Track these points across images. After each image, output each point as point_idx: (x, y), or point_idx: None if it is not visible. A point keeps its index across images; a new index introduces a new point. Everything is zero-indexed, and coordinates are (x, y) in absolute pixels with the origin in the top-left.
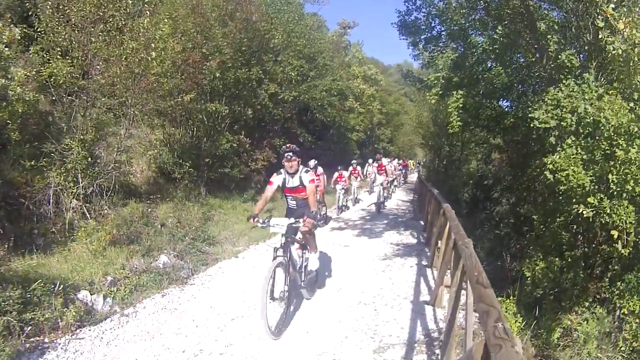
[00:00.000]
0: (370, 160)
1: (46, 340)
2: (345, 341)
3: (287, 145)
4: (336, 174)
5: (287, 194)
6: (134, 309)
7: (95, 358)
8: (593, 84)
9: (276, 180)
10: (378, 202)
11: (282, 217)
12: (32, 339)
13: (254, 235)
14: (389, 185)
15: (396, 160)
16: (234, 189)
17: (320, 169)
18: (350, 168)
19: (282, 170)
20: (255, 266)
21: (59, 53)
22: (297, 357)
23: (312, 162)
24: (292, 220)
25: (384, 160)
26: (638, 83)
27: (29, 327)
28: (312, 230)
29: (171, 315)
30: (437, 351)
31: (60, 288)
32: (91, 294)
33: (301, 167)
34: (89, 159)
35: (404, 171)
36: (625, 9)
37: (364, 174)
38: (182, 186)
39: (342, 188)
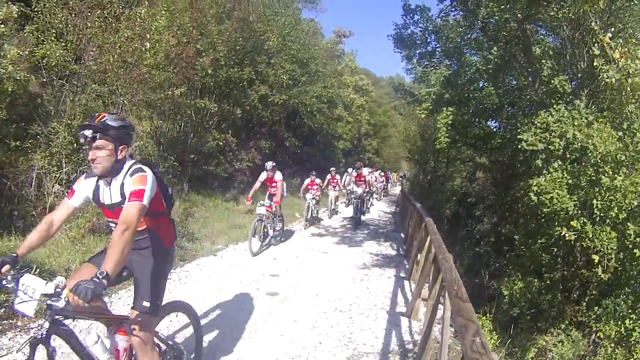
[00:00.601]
0: (350, 170)
1: (19, 323)
2: (319, 347)
3: (93, 115)
4: (307, 181)
5: (108, 219)
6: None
7: (67, 345)
8: (583, 110)
9: (81, 188)
10: (355, 216)
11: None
12: (4, 322)
13: (234, 234)
14: (368, 197)
15: (378, 171)
16: (216, 187)
17: (279, 175)
18: (328, 176)
19: None
20: (234, 265)
21: (54, 35)
22: (269, 359)
23: (268, 164)
24: (51, 285)
25: (365, 170)
26: (629, 113)
27: (2, 310)
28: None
29: None
30: None
31: (36, 272)
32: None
33: (128, 163)
34: (75, 144)
35: (385, 184)
36: (621, 40)
37: (343, 183)
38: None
39: (313, 197)
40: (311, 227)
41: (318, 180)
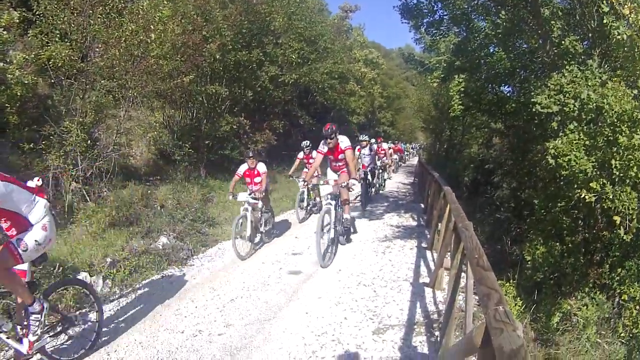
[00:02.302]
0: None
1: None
2: (345, 322)
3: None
4: (242, 168)
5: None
6: (133, 290)
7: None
8: (596, 70)
9: None
10: (317, 237)
11: None
12: None
13: None
14: (367, 185)
15: (385, 143)
16: (233, 170)
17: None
18: (301, 154)
19: None
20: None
21: (58, 36)
22: (296, 337)
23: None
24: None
25: (344, 141)
26: None
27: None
28: None
29: (170, 296)
30: (437, 333)
31: (59, 270)
32: (90, 276)
33: None
34: (88, 141)
35: (396, 159)
36: None
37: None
38: (181, 168)
39: (251, 195)
40: None
41: (262, 167)
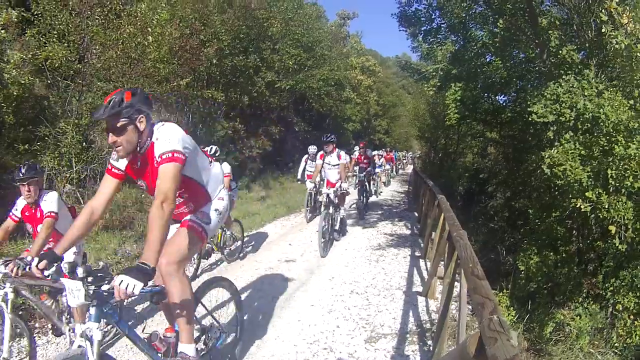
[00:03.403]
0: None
1: (37, 325)
2: (337, 330)
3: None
4: (21, 204)
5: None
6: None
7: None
8: (593, 80)
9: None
10: None
11: None
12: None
13: (246, 223)
14: (331, 213)
15: (371, 151)
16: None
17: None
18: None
19: None
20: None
21: (56, 36)
22: (288, 345)
23: None
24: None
25: (163, 137)
26: (639, 80)
27: (20, 312)
28: None
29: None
30: (429, 342)
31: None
32: None
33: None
34: (84, 143)
35: (388, 169)
36: (629, 7)
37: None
38: None
39: (21, 266)
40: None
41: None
